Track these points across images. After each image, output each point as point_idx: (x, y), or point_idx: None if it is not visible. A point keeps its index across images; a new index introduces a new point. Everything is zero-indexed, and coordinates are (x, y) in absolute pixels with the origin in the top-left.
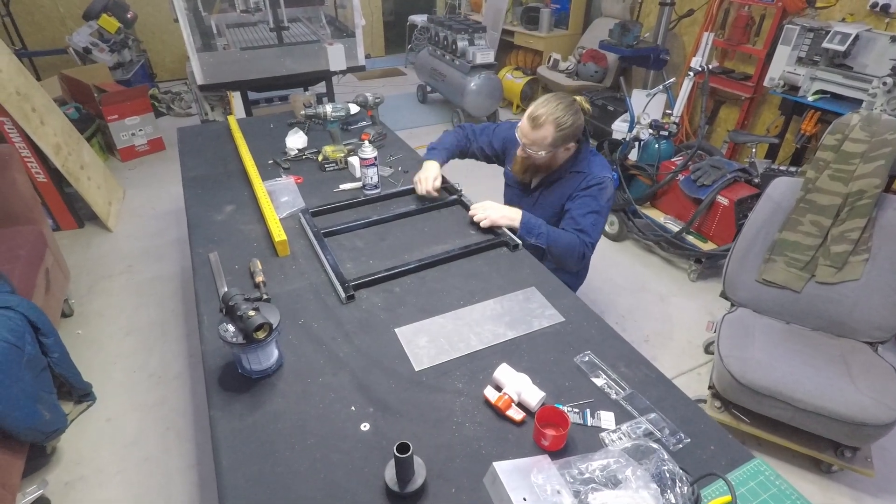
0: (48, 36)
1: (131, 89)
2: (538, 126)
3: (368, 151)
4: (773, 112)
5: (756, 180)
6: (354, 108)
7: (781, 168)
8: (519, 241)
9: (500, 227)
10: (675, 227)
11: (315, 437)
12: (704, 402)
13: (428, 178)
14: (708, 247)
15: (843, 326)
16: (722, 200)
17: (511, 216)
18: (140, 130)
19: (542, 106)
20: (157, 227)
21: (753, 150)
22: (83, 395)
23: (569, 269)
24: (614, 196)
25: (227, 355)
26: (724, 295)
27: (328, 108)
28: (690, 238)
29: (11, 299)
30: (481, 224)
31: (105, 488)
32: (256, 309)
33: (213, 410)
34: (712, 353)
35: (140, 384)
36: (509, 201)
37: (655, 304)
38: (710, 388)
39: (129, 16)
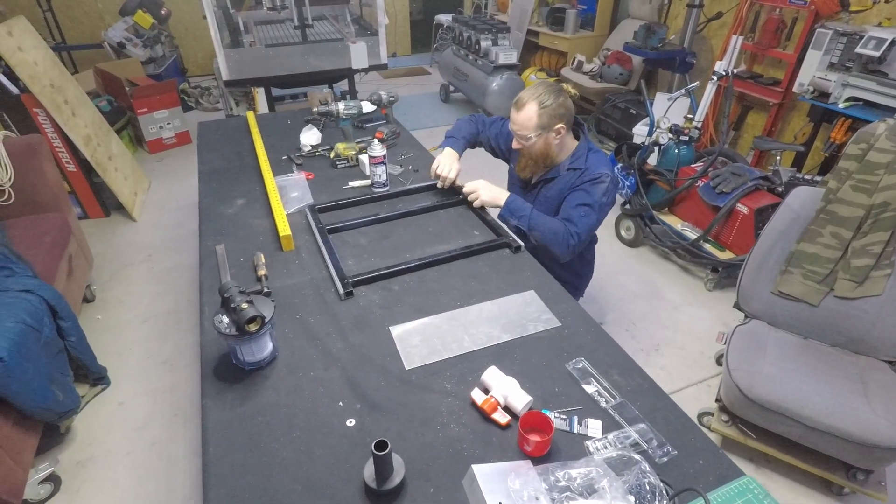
0: (87, 31)
1: (161, 83)
2: (521, 107)
3: (377, 150)
4: (802, 119)
5: (779, 189)
6: (368, 107)
7: (806, 177)
8: (521, 243)
9: (484, 206)
10: (692, 234)
11: (301, 431)
12: (711, 415)
13: (451, 168)
14: (726, 256)
15: (862, 343)
16: (742, 209)
17: (498, 196)
18: (168, 124)
19: (525, 91)
20: (178, 219)
21: (778, 157)
22: (98, 378)
23: (557, 258)
24: (613, 193)
25: (225, 346)
26: (737, 306)
27: (340, 105)
28: (708, 246)
29: (32, 283)
30: (473, 203)
31: (113, 469)
32: (250, 301)
33: (205, 399)
34: None
35: (153, 370)
36: None
37: (669, 313)
38: (717, 400)
39: (163, 12)
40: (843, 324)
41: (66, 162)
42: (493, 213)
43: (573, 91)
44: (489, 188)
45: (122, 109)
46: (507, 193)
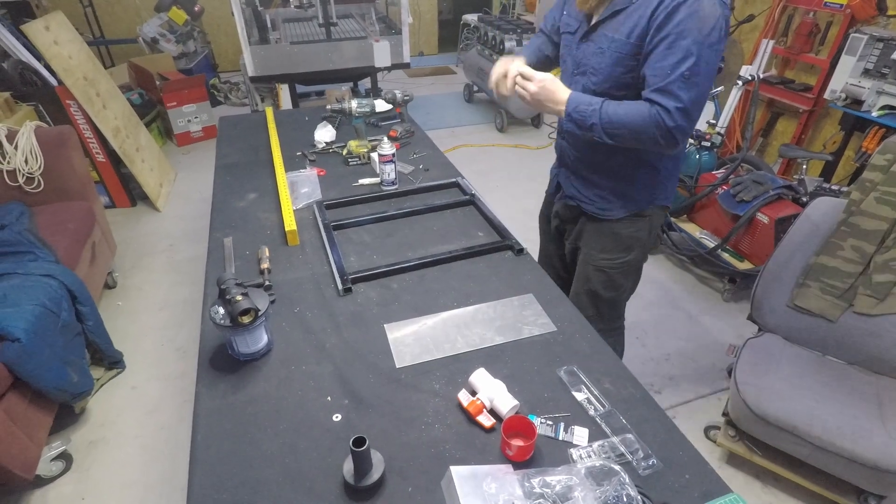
0: (125, 26)
1: (190, 78)
2: None
3: (387, 148)
4: (834, 127)
5: (804, 199)
6: (382, 105)
7: (833, 187)
8: (524, 246)
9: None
10: (710, 242)
11: (287, 423)
12: (718, 428)
13: (505, 69)
14: (744, 266)
15: (881, 362)
16: (762, 218)
17: (558, 95)
18: (196, 118)
19: None
20: (201, 211)
21: (804, 166)
22: (113, 362)
23: (661, 150)
24: (725, 28)
25: (223, 337)
26: (751, 318)
27: (353, 103)
28: (726, 256)
29: (53, 268)
30: (521, 97)
31: (122, 450)
32: (245, 294)
33: (199, 387)
34: None
35: (167, 356)
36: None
37: (682, 323)
38: (724, 414)
39: (196, 9)
40: (862, 341)
41: (96, 152)
42: (509, 214)
43: None
44: (551, 86)
45: (152, 103)
46: (568, 91)
